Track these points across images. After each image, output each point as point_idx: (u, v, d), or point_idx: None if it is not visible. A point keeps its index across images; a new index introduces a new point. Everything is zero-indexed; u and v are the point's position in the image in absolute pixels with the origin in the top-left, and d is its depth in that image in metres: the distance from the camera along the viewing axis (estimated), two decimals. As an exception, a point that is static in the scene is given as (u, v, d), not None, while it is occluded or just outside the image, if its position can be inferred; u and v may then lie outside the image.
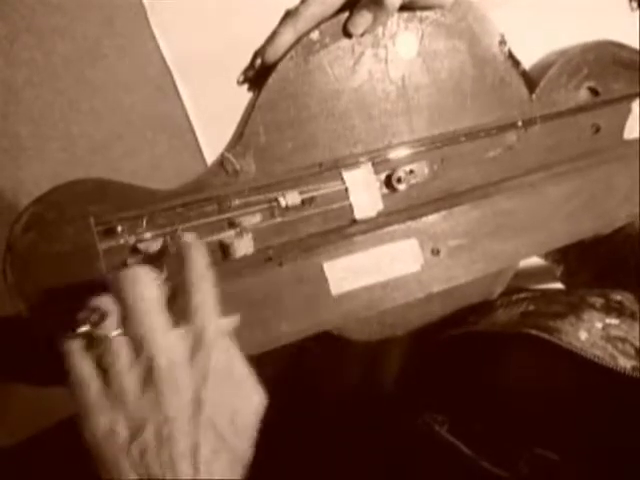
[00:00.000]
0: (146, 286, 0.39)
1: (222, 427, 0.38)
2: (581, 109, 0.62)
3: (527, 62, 0.60)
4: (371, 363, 0.62)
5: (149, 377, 0.37)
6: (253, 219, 0.49)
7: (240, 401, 0.39)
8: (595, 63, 0.62)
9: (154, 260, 0.46)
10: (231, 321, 0.44)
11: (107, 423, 0.36)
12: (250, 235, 0.49)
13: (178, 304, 0.40)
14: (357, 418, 0.56)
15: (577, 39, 0.62)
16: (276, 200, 0.50)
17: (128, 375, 0.37)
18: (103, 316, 0.38)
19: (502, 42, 0.57)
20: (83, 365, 0.38)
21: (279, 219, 0.51)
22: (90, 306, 0.38)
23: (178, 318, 0.40)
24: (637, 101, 0.64)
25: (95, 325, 0.38)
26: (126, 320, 0.38)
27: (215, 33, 1.28)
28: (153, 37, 1.32)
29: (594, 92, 0.63)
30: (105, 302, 0.39)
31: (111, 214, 0.45)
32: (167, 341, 0.38)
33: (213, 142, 1.34)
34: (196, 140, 1.35)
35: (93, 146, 1.29)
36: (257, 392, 0.41)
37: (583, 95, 0.62)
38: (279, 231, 0.51)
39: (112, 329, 0.38)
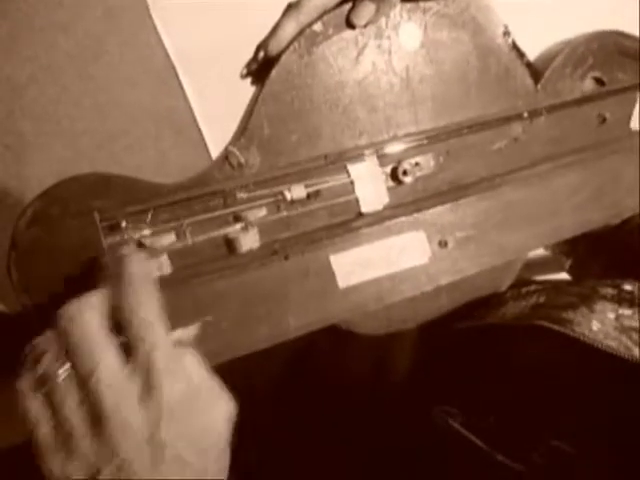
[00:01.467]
0: (90, 318, 0.36)
1: (189, 455, 0.35)
2: (587, 99, 0.61)
3: (531, 52, 0.59)
4: (380, 358, 0.62)
5: (98, 418, 0.34)
6: (258, 213, 0.49)
7: (205, 419, 0.37)
8: (600, 53, 0.61)
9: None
10: (188, 331, 0.42)
11: (61, 469, 0.34)
12: (256, 229, 0.49)
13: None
14: (367, 413, 0.56)
15: (580, 28, 0.62)
16: (281, 194, 0.50)
17: (77, 416, 0.34)
18: (46, 353, 0.36)
19: (506, 32, 0.56)
20: (32, 405, 0.35)
21: (285, 213, 0.50)
22: (34, 344, 0.36)
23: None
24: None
25: (40, 363, 0.35)
26: (72, 357, 0.35)
27: (218, 27, 1.27)
28: (156, 31, 1.32)
29: (599, 82, 0.62)
30: (48, 340, 0.36)
31: (116, 209, 0.45)
32: (114, 379, 0.35)
33: (217, 136, 1.34)
34: (200, 134, 1.35)
35: (97, 142, 1.29)
36: (223, 402, 0.38)
37: (588, 85, 0.62)
38: (285, 225, 0.50)
39: (60, 365, 0.35)
